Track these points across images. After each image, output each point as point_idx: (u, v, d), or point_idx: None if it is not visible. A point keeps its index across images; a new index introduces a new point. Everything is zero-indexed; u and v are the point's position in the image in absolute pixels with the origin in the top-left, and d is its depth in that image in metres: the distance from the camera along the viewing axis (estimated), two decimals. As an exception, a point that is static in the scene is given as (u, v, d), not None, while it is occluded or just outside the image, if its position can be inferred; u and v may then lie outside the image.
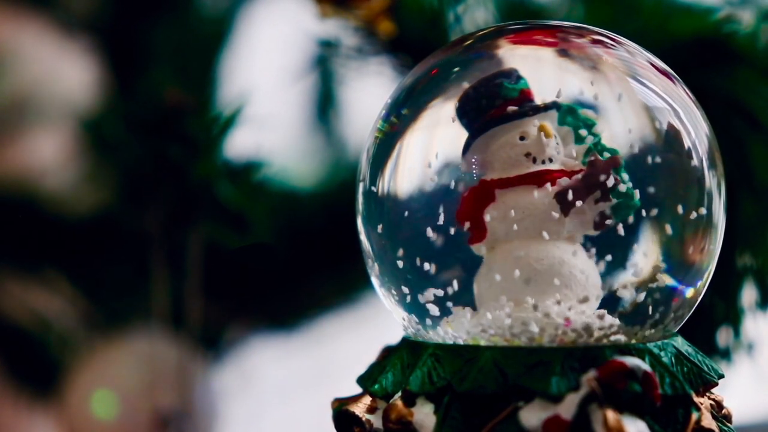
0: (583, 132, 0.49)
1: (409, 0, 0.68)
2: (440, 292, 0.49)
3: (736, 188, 0.63)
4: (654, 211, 0.48)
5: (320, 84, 1.02)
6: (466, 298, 0.50)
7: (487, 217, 0.49)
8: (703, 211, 0.50)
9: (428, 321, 0.50)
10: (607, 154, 0.49)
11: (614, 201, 0.48)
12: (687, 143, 0.50)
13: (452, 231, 0.49)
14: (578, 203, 0.48)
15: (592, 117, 0.49)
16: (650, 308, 0.49)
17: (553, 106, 0.49)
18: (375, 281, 0.53)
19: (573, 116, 0.49)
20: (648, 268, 0.49)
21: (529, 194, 0.48)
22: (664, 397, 0.46)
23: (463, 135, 0.49)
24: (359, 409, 0.49)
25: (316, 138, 1.05)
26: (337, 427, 0.50)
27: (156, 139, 0.76)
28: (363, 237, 0.53)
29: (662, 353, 0.47)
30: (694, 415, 0.47)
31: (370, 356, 0.53)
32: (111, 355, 0.84)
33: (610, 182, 0.48)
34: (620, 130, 0.49)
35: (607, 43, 0.51)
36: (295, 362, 1.00)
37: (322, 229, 0.93)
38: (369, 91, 0.73)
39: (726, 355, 0.66)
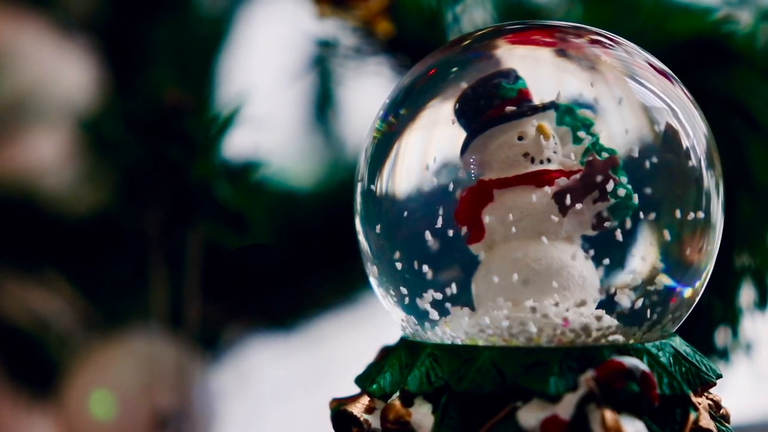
0: (582, 132, 0.49)
1: (408, 0, 0.68)
2: (438, 293, 0.49)
3: (735, 188, 0.63)
4: (652, 212, 0.48)
5: (318, 84, 1.02)
6: (464, 298, 0.49)
7: (486, 218, 0.49)
8: (701, 212, 0.49)
9: (426, 321, 0.50)
10: (605, 154, 0.48)
11: (612, 201, 0.48)
12: (685, 143, 0.50)
13: (450, 231, 0.49)
14: (576, 203, 0.48)
15: (590, 117, 0.49)
16: (648, 308, 0.49)
17: (552, 106, 0.49)
18: (373, 281, 0.53)
19: (571, 116, 0.49)
20: (646, 269, 0.49)
21: (528, 194, 0.48)
22: (662, 397, 0.46)
23: (461, 135, 0.49)
24: (357, 409, 0.49)
25: (315, 138, 1.05)
26: (335, 427, 0.50)
27: (155, 139, 0.76)
28: (361, 237, 0.53)
29: (660, 353, 0.47)
30: (692, 415, 0.47)
31: (369, 356, 0.53)
32: (110, 355, 0.84)
33: (609, 182, 0.48)
34: (618, 130, 0.49)
35: (606, 43, 0.51)
36: (294, 362, 1.00)
37: (320, 230, 0.93)
38: (367, 91, 0.73)
39: (724, 355, 0.66)
